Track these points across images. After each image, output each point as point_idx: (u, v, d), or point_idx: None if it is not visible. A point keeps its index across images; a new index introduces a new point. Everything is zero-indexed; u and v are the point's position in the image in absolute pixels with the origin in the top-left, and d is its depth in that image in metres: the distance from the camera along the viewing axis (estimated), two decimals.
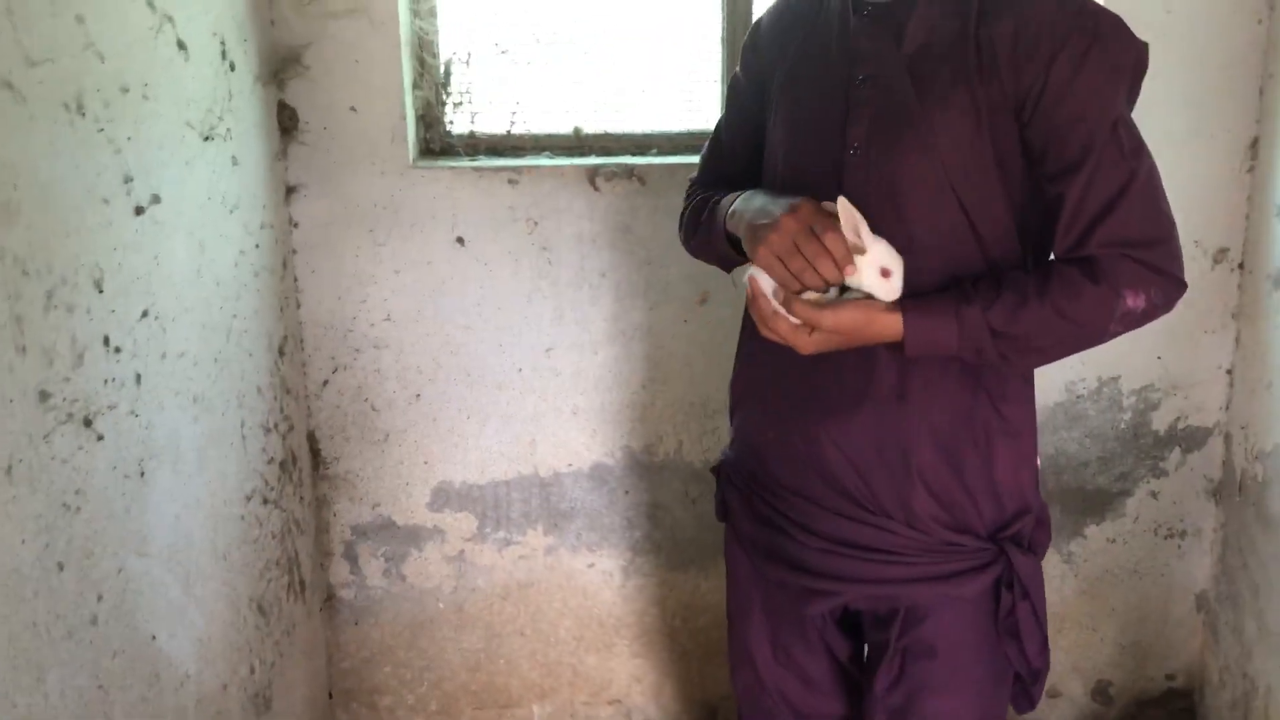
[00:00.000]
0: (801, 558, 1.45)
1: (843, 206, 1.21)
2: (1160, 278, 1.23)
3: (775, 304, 1.29)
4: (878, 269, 1.24)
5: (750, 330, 1.49)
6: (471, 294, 2.19)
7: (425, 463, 2.27)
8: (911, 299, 1.26)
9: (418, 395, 2.23)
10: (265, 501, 1.92)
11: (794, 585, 1.48)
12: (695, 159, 2.20)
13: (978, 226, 1.28)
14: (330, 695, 2.36)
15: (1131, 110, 1.26)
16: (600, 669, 2.40)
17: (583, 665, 2.39)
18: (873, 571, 1.41)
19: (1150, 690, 2.46)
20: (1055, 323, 1.23)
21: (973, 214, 1.27)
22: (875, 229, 1.25)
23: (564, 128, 2.25)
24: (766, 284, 1.31)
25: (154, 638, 1.48)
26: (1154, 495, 2.33)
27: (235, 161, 1.82)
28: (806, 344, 1.27)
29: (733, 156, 1.57)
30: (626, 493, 2.30)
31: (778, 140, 1.43)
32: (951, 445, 1.36)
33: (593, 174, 2.14)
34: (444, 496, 2.28)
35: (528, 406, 2.25)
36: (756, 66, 1.51)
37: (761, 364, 1.48)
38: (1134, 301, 1.22)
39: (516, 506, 2.30)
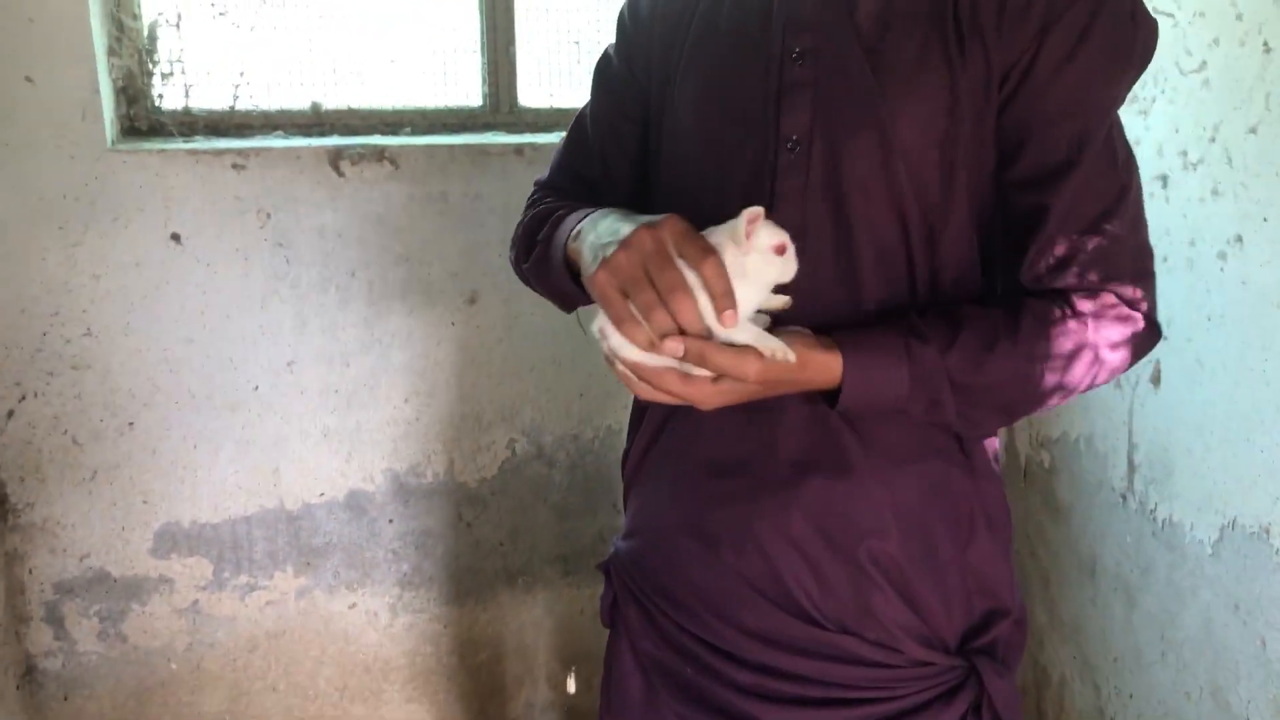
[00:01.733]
0: (723, 700, 1.11)
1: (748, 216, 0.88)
2: (1143, 321, 0.99)
3: (648, 356, 0.90)
4: (770, 250, 0.90)
5: None
6: (192, 301, 1.84)
7: (145, 502, 1.91)
8: (845, 334, 0.95)
9: (130, 423, 1.87)
10: None
11: None
12: (457, 140, 1.97)
13: (939, 249, 1.00)
14: None
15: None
16: (368, 719, 2.12)
17: (347, 718, 2.10)
18: (815, 718, 1.07)
19: None
20: (1027, 373, 0.96)
21: (937, 234, 0.99)
22: (818, 250, 0.98)
23: (299, 103, 1.94)
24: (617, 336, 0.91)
25: None
26: None
27: None
28: (711, 399, 0.92)
29: (602, 157, 1.21)
30: (390, 521, 2.03)
31: (681, 136, 1.09)
32: (922, 528, 1.05)
33: (335, 156, 1.84)
34: (170, 540, 1.93)
35: (268, 430, 1.93)
36: (639, 42, 1.16)
37: (666, 428, 1.14)
38: (1116, 350, 0.97)
39: (260, 546, 1.98)
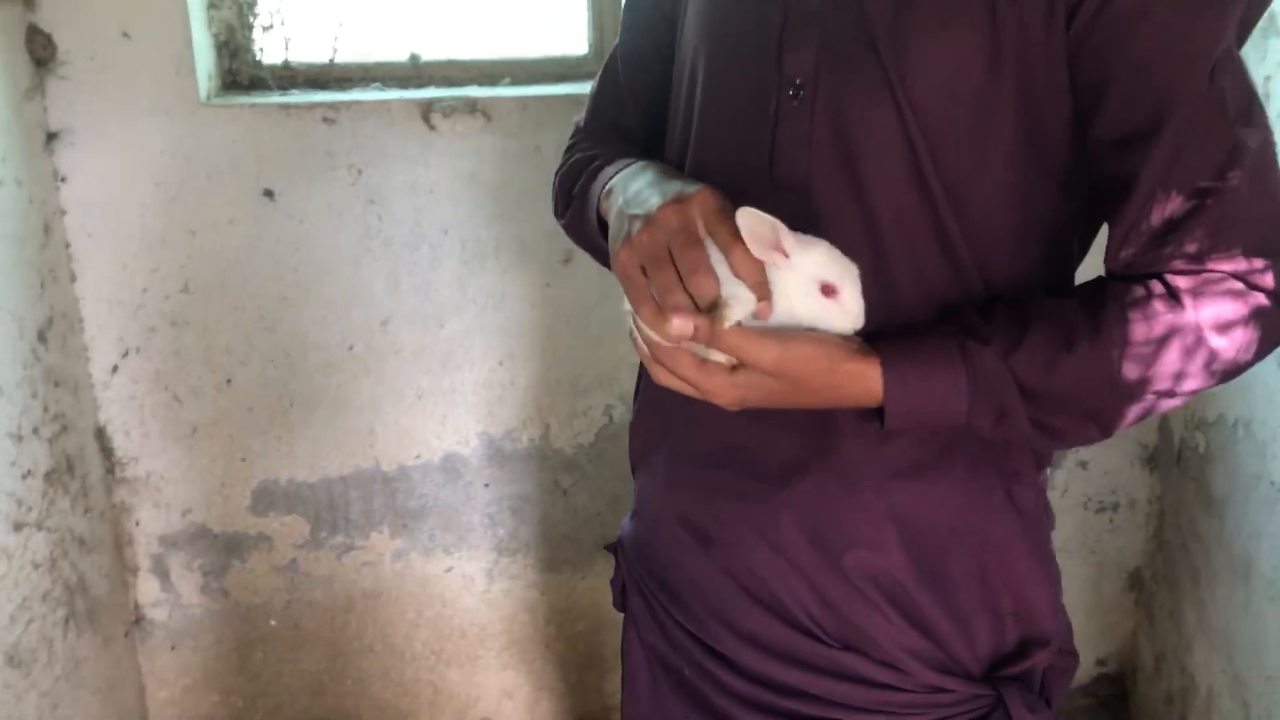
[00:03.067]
0: (720, 706, 1.02)
1: (745, 216, 0.76)
2: (1268, 300, 0.80)
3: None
4: (815, 283, 0.78)
5: None
6: (286, 258, 1.82)
7: (243, 459, 1.91)
8: (889, 339, 0.82)
9: (228, 380, 1.87)
10: (18, 527, 1.55)
11: None
12: (554, 90, 1.87)
13: (970, 213, 0.84)
14: None
15: (1240, 48, 0.81)
16: (465, 685, 2.09)
17: (444, 682, 2.08)
18: None
19: (1078, 675, 2.23)
20: (1115, 375, 0.79)
21: (963, 197, 0.84)
22: (827, 211, 0.84)
23: (399, 55, 1.88)
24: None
25: None
26: (1082, 465, 2.07)
27: None
28: (727, 392, 0.82)
29: (633, 99, 1.11)
30: (486, 486, 1.98)
31: (686, 77, 0.97)
32: (932, 543, 0.92)
33: (426, 109, 1.78)
34: (268, 498, 1.93)
35: (363, 390, 1.90)
36: None
37: (665, 406, 1.04)
38: (1228, 334, 0.79)
39: (356, 506, 1.96)
